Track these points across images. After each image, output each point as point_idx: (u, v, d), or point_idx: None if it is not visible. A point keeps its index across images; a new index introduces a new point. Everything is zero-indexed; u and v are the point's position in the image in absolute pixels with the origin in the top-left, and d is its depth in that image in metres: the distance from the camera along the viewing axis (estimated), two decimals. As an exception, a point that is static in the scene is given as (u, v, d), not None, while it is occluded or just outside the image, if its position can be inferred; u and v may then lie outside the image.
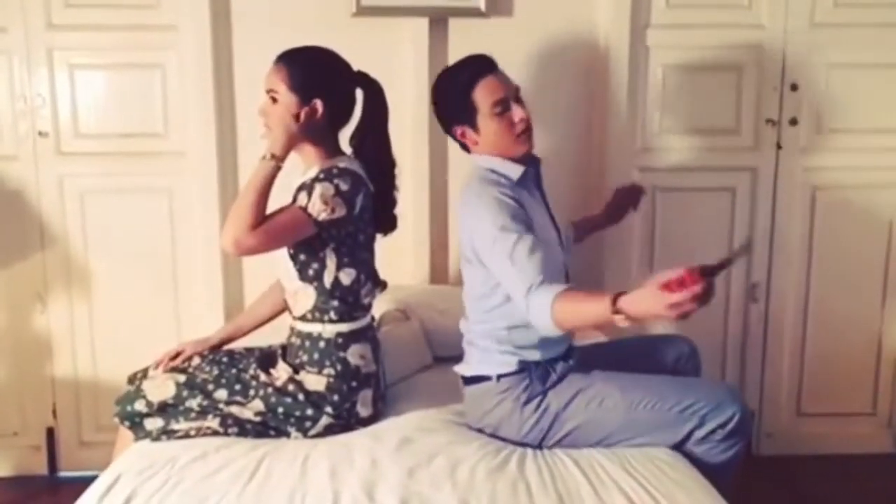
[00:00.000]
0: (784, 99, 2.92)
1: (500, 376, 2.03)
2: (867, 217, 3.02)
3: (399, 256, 2.81)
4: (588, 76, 2.88)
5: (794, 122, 2.93)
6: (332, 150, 2.12)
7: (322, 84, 2.07)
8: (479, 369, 2.07)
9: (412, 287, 2.83)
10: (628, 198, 2.56)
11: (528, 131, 2.06)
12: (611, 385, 2.00)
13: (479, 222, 1.95)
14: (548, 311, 1.78)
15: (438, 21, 2.82)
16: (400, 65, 2.82)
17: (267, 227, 1.92)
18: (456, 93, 2.04)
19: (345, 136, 2.17)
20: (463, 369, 2.12)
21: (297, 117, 2.02)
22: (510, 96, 2.04)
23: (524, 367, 2.02)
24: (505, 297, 1.98)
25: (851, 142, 2.97)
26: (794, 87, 2.92)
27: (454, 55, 2.83)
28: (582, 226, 2.53)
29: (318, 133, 2.08)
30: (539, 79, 2.86)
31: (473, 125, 2.05)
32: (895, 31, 2.90)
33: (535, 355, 2.02)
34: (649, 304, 1.56)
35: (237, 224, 1.90)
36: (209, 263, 2.88)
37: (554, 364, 2.04)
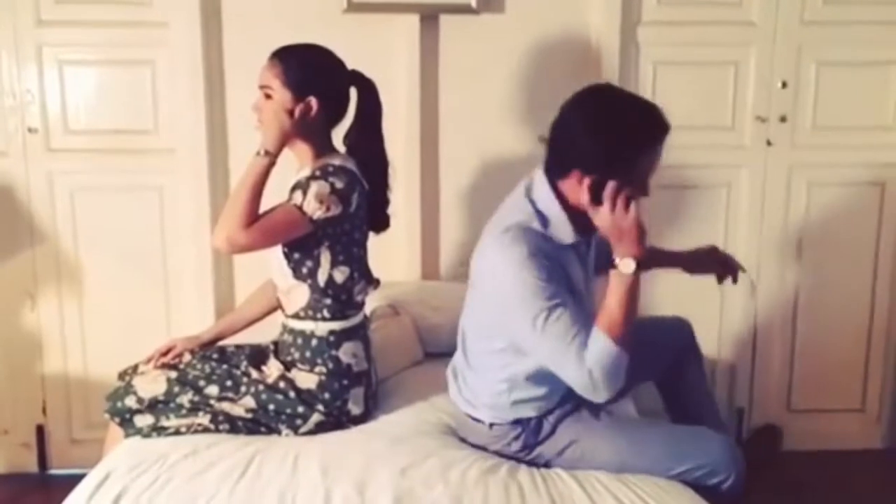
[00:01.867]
0: (774, 96, 2.93)
1: (492, 424, 1.96)
2: (857, 214, 3.02)
3: (390, 253, 2.81)
4: (579, 73, 2.87)
5: (783, 119, 2.94)
6: (326, 147, 2.12)
7: (317, 81, 2.06)
8: (471, 411, 1.99)
9: (403, 283, 2.83)
10: (720, 268, 2.27)
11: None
12: (605, 443, 1.90)
13: (501, 271, 1.78)
14: (609, 348, 1.71)
15: (430, 18, 2.81)
16: (391, 62, 2.81)
17: (260, 225, 1.91)
18: (629, 145, 1.76)
19: (337, 135, 2.16)
20: (454, 396, 2.04)
21: (290, 113, 2.02)
22: (654, 169, 1.83)
23: (517, 422, 1.94)
24: (511, 344, 1.87)
25: (841, 139, 2.97)
26: (784, 85, 2.92)
27: (445, 52, 2.84)
28: (657, 255, 2.24)
29: (312, 130, 2.07)
30: (530, 76, 2.85)
31: (609, 177, 1.76)
32: (885, 28, 2.91)
33: (529, 412, 1.94)
34: (628, 237, 1.74)
35: (230, 222, 1.90)
36: (200, 261, 2.87)
37: (548, 416, 1.95)
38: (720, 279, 2.26)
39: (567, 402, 1.96)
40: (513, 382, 1.92)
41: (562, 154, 1.84)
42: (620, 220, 1.75)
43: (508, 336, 1.87)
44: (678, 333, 2.31)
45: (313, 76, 2.07)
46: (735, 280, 2.25)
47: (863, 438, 3.15)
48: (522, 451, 1.96)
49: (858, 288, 3.08)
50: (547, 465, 1.95)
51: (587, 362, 1.72)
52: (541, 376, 1.89)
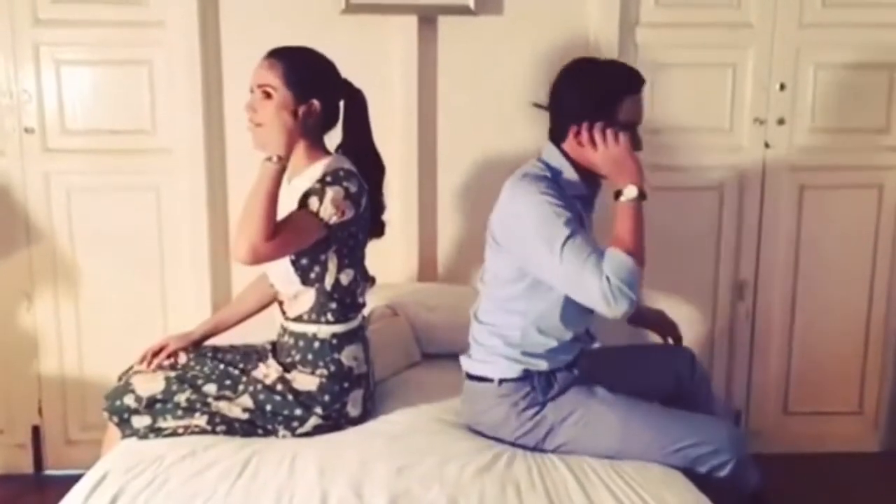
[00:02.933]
0: (772, 98, 2.93)
1: (501, 380, 2.01)
2: (854, 217, 3.03)
3: (388, 254, 2.81)
4: (577, 75, 2.88)
5: (781, 121, 2.94)
6: (322, 150, 2.11)
7: (319, 84, 2.06)
8: (481, 369, 2.05)
9: (401, 284, 2.83)
10: (664, 330, 2.40)
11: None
12: (611, 410, 1.97)
13: (524, 212, 1.93)
14: (624, 258, 1.84)
15: (428, 19, 2.81)
16: (389, 63, 2.81)
17: (282, 236, 1.90)
18: (608, 92, 1.96)
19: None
20: (466, 364, 2.10)
21: (293, 115, 2.01)
22: (639, 122, 2.01)
23: (528, 376, 2.00)
24: (525, 290, 1.98)
25: (839, 141, 2.98)
26: (782, 87, 2.93)
27: (444, 54, 2.84)
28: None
29: (309, 133, 2.07)
30: (528, 77, 2.85)
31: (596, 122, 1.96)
32: (883, 31, 2.92)
33: (541, 365, 2.00)
34: (625, 167, 1.93)
35: (251, 234, 1.86)
36: (196, 260, 2.87)
37: (557, 374, 2.02)
38: (663, 338, 2.40)
39: (575, 367, 2.04)
40: (524, 331, 2.00)
41: (557, 116, 2.04)
42: (613, 152, 1.95)
43: (528, 269, 1.97)
44: (679, 361, 2.29)
45: (316, 79, 2.06)
46: (677, 343, 2.37)
47: (860, 441, 3.15)
48: (529, 410, 1.98)
49: (856, 291, 3.08)
50: (549, 434, 1.97)
51: (604, 271, 1.82)
52: (547, 323, 1.99)
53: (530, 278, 1.98)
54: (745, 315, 3.07)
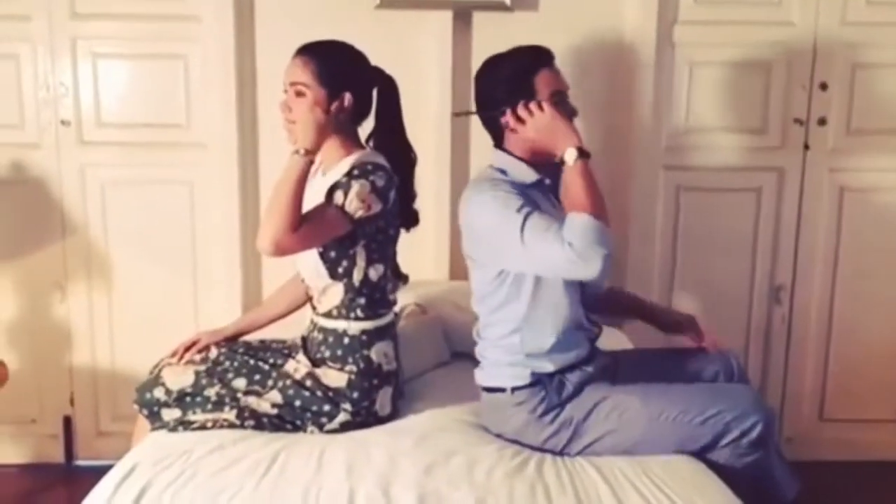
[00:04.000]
0: (813, 98, 2.88)
1: (513, 389, 1.99)
2: (894, 220, 2.96)
3: (419, 252, 2.79)
4: (614, 73, 2.85)
5: (822, 121, 2.89)
6: (355, 143, 2.10)
7: (350, 77, 2.05)
8: (492, 381, 2.04)
9: (431, 282, 2.81)
10: (695, 338, 2.26)
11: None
12: (631, 395, 1.96)
13: (478, 217, 1.95)
14: (582, 218, 1.82)
15: (463, 15, 2.79)
16: (423, 58, 2.80)
17: (306, 228, 1.89)
18: (517, 73, 1.99)
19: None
20: (479, 377, 2.09)
21: (326, 110, 2.00)
22: (565, 92, 2.03)
23: (538, 380, 1.98)
24: (508, 293, 1.97)
25: (880, 143, 2.92)
26: (823, 87, 2.87)
27: (478, 49, 2.81)
28: (628, 303, 2.37)
29: (342, 126, 2.06)
30: (563, 74, 2.82)
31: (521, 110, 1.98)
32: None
33: (546, 366, 1.98)
34: (559, 131, 1.92)
35: (276, 225, 1.86)
36: (228, 255, 2.87)
37: (567, 374, 2.00)
38: (696, 344, 2.27)
39: (587, 364, 2.02)
40: (520, 332, 1.99)
41: (486, 118, 2.06)
42: (541, 122, 1.94)
43: (504, 266, 1.96)
44: (721, 365, 2.21)
45: (347, 72, 2.06)
46: (708, 350, 2.23)
47: (897, 450, 3.09)
48: (548, 414, 1.96)
49: (895, 296, 3.01)
50: (574, 435, 1.95)
51: (566, 238, 1.80)
52: (540, 318, 1.97)
53: (509, 282, 1.97)
54: (781, 319, 3.01)
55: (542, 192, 2.02)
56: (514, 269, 1.96)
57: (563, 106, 1.99)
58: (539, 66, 1.99)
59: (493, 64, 2.06)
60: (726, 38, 2.86)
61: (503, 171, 2.01)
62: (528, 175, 2.00)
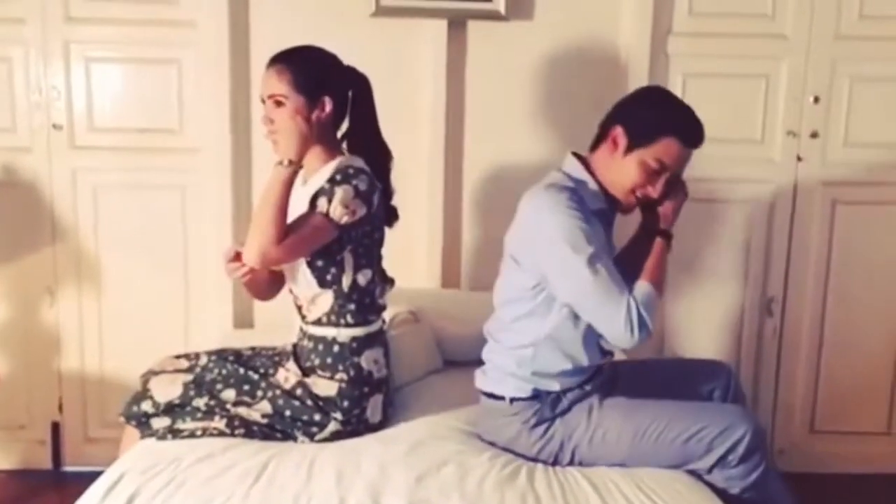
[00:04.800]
0: (805, 111, 2.89)
1: (512, 399, 1.99)
2: (886, 233, 2.97)
3: (411, 259, 2.79)
4: (607, 82, 2.85)
5: (815, 135, 2.90)
6: (335, 149, 2.09)
7: (326, 81, 2.04)
8: (493, 387, 2.04)
9: (423, 290, 2.80)
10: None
11: (640, 204, 2.01)
12: (615, 413, 1.95)
13: (545, 231, 1.90)
14: (647, 287, 1.88)
15: (458, 23, 2.79)
16: (418, 66, 2.80)
17: (292, 239, 1.89)
18: (660, 119, 1.94)
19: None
20: (479, 381, 2.08)
21: (307, 118, 1.99)
22: (673, 172, 1.96)
23: (538, 395, 1.98)
24: (537, 307, 1.95)
25: (873, 156, 2.92)
26: (816, 100, 2.88)
27: (473, 58, 2.82)
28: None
29: (324, 133, 2.05)
30: (557, 84, 2.83)
31: (630, 146, 1.93)
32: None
33: (552, 385, 1.98)
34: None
35: (262, 237, 1.86)
36: (220, 261, 2.85)
37: (568, 392, 1.99)
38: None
39: (586, 385, 2.01)
40: (536, 348, 1.96)
41: (608, 120, 2.01)
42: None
43: (547, 284, 1.93)
44: (717, 378, 2.22)
45: (323, 77, 2.04)
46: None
47: (888, 462, 3.08)
48: (539, 426, 1.96)
49: (887, 308, 3.02)
50: (562, 449, 1.95)
51: (631, 298, 1.84)
52: (560, 341, 1.96)
53: (542, 297, 1.95)
54: (772, 332, 3.02)
55: (604, 223, 2.00)
56: (557, 293, 1.93)
57: (671, 184, 1.96)
58: (676, 135, 1.92)
59: (658, 94, 2.07)
60: (720, 49, 2.87)
61: (578, 182, 1.98)
62: (599, 199, 1.98)
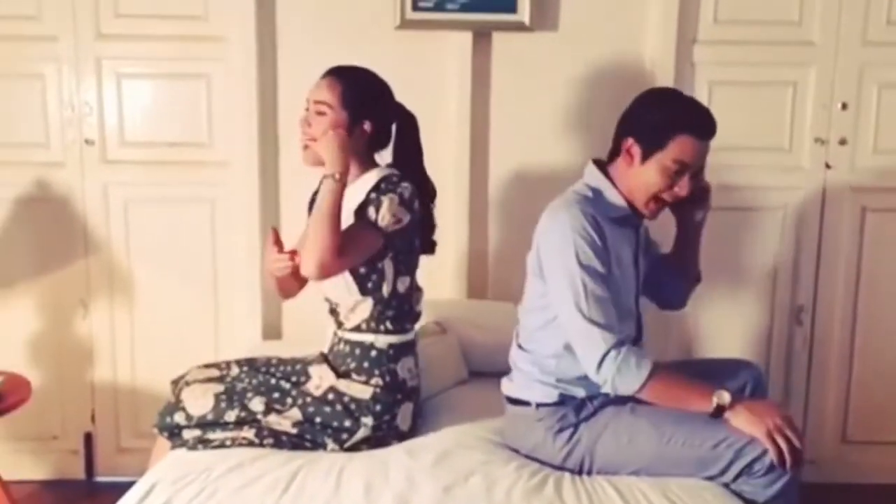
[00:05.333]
0: (833, 118, 2.86)
1: (538, 405, 2.00)
2: (918, 240, 2.94)
3: (438, 270, 2.79)
4: (633, 92, 2.81)
5: (843, 141, 2.87)
6: (369, 161, 2.14)
7: (373, 107, 2.09)
8: (520, 393, 2.05)
9: (450, 301, 2.81)
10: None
11: (665, 207, 2.02)
12: (642, 419, 1.94)
13: (550, 247, 1.94)
14: (637, 385, 1.86)
15: (482, 35, 2.81)
16: (443, 78, 2.82)
17: (349, 250, 1.94)
18: (667, 120, 1.93)
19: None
20: (506, 387, 2.10)
21: (346, 134, 2.03)
22: (693, 169, 1.96)
23: (563, 400, 1.99)
24: (557, 316, 1.96)
25: (903, 163, 2.90)
26: (844, 106, 2.86)
27: (498, 69, 2.83)
28: (672, 258, 2.28)
29: (360, 153, 2.09)
30: (583, 94, 2.83)
31: (646, 154, 1.94)
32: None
33: (578, 391, 1.99)
34: (755, 417, 1.82)
35: (321, 250, 1.91)
36: (249, 273, 2.89)
37: (594, 399, 1.99)
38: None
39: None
40: (559, 357, 1.98)
41: (618, 133, 2.02)
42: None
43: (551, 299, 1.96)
44: (746, 378, 2.19)
45: (371, 101, 2.09)
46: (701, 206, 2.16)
47: (922, 473, 3.04)
48: (563, 432, 1.96)
49: (919, 316, 2.98)
50: (587, 454, 1.95)
51: (606, 365, 1.86)
52: None
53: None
54: (802, 341, 2.98)
55: (624, 231, 2.00)
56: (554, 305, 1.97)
57: (693, 181, 1.96)
58: (687, 131, 1.92)
59: (659, 95, 2.07)
60: (746, 57, 2.86)
61: (597, 192, 2.00)
62: (619, 207, 1.99)
